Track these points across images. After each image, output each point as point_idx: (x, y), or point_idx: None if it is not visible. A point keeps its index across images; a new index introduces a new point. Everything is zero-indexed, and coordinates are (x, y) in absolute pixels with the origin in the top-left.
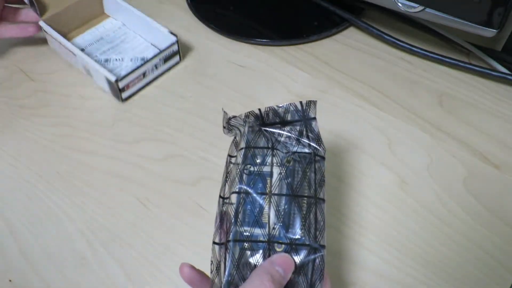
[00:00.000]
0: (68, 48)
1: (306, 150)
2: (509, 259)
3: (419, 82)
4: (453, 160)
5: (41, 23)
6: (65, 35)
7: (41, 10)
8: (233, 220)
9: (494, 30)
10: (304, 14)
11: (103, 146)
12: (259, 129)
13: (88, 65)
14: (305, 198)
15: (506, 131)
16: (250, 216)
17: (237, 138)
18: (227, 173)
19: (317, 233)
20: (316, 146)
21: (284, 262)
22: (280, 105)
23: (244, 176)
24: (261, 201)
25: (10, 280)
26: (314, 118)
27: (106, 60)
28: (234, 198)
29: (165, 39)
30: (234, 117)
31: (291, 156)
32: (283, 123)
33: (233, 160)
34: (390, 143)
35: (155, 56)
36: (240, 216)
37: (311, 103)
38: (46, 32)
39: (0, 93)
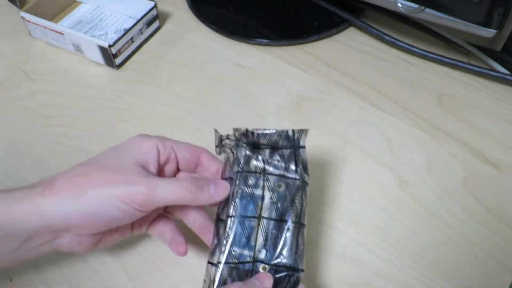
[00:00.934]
0: (54, 30)
1: (295, 176)
2: (509, 259)
3: (419, 82)
4: (453, 160)
5: (23, 14)
6: None
7: (21, 4)
8: (225, 243)
9: (494, 31)
10: (304, 14)
11: (104, 146)
12: (252, 151)
13: (78, 39)
14: (291, 224)
15: (506, 131)
16: (241, 237)
17: (230, 159)
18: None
19: (297, 256)
20: (303, 173)
21: (265, 281)
22: (273, 131)
23: (237, 199)
24: (251, 224)
25: (11, 280)
26: (304, 147)
27: (92, 37)
28: (229, 220)
29: (143, 7)
30: (227, 137)
31: (282, 181)
32: (274, 147)
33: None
34: (390, 143)
35: (138, 20)
36: (230, 238)
37: (302, 132)
38: (29, 21)
39: (0, 93)
